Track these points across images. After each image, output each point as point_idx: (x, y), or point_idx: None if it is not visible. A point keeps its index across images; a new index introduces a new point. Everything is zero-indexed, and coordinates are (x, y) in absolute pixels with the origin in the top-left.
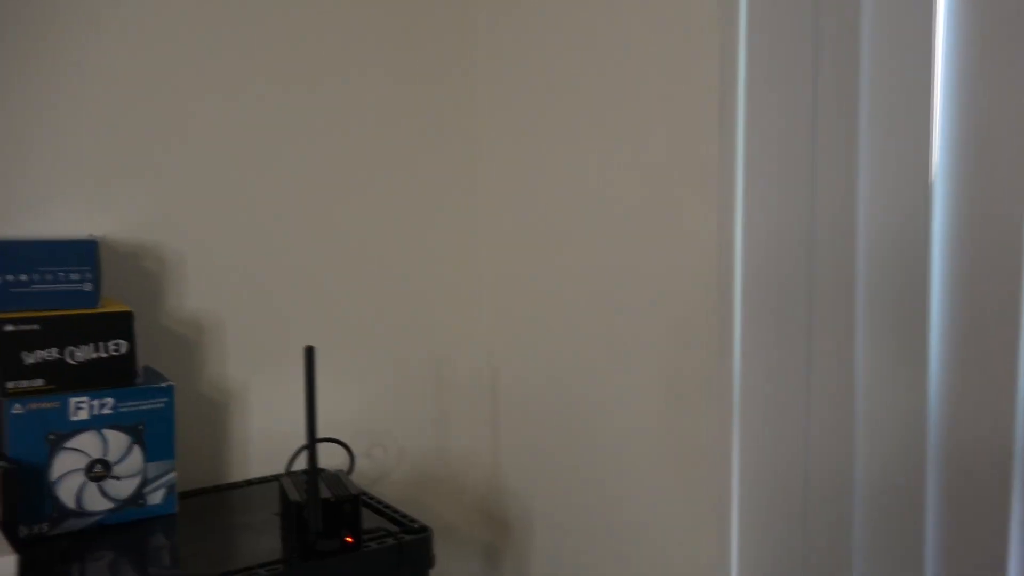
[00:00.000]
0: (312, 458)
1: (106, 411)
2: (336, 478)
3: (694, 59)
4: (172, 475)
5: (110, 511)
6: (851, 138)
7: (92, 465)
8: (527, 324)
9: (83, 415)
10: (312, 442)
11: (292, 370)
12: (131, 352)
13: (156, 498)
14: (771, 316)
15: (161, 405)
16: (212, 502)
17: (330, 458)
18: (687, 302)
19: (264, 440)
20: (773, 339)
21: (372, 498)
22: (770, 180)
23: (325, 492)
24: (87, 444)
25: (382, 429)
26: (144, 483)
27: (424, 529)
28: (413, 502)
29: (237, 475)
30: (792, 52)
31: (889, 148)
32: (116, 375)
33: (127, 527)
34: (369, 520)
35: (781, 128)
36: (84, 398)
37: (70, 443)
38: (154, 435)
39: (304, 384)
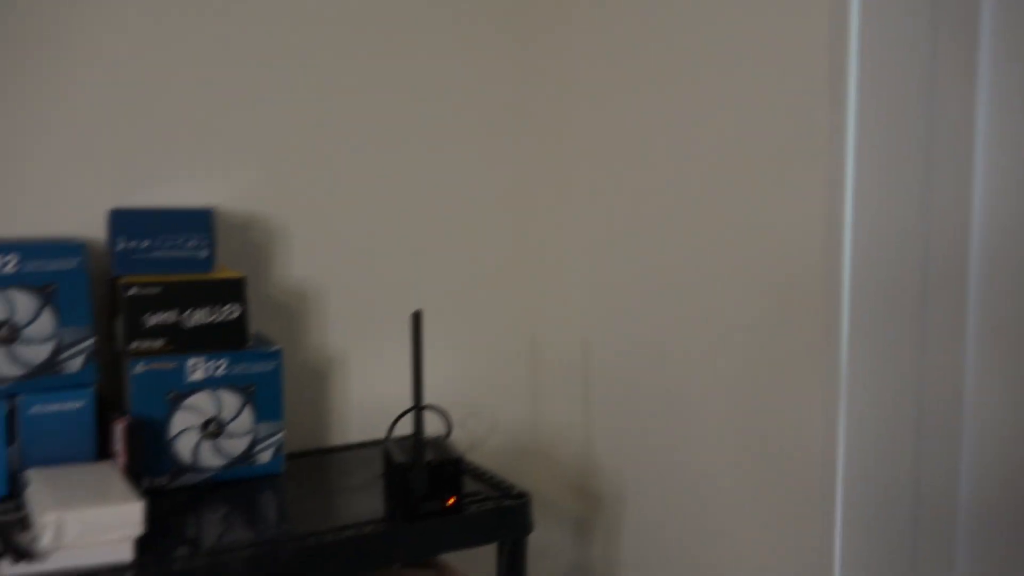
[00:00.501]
0: (419, 421)
1: (220, 372)
2: (438, 443)
3: (803, 30)
4: (280, 436)
5: (222, 468)
6: (968, 124)
7: (207, 423)
8: (621, 302)
9: (199, 375)
10: (419, 406)
11: (391, 339)
12: (243, 316)
13: (265, 457)
14: (880, 308)
15: (271, 368)
16: (316, 464)
17: (426, 425)
18: (789, 286)
19: (364, 406)
20: (881, 333)
21: (471, 464)
22: (882, 163)
23: (428, 455)
24: (202, 403)
25: (476, 400)
26: (254, 442)
27: (523, 495)
28: (505, 473)
29: (338, 439)
30: (909, 24)
31: (1007, 136)
32: (229, 338)
33: (237, 484)
34: (469, 485)
35: (895, 105)
36: (200, 359)
37: (187, 402)
38: (264, 396)
39: (411, 348)
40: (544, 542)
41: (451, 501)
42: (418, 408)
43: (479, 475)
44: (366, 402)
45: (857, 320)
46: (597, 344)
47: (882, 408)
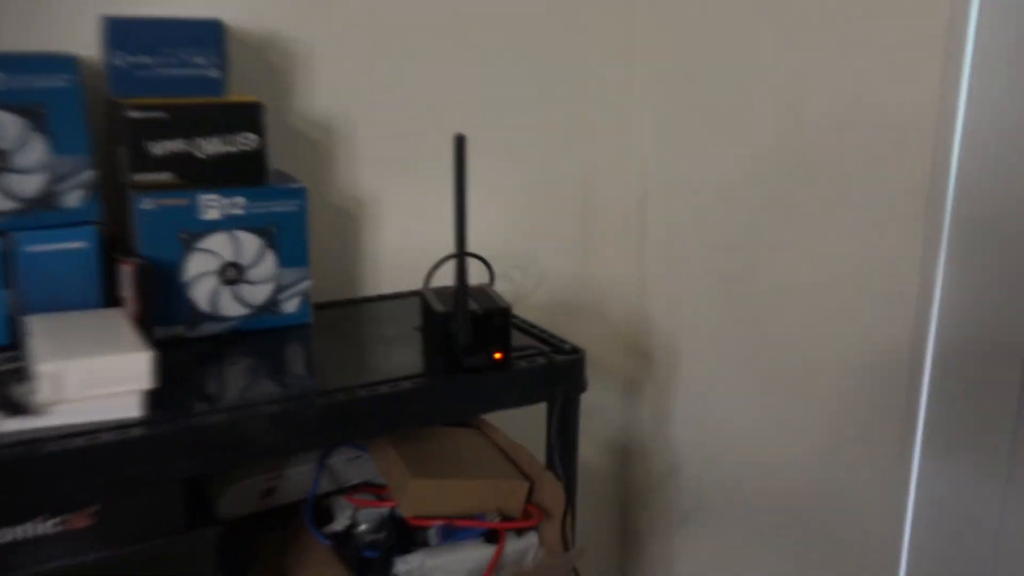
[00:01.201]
0: (462, 265)
1: (237, 211)
2: (482, 292)
3: None
4: (307, 283)
5: (245, 317)
6: None
7: (225, 268)
8: (682, 156)
9: (214, 214)
10: (462, 249)
11: (429, 179)
12: (261, 148)
13: (291, 306)
14: None
15: (294, 208)
16: (347, 314)
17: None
18: (885, 159)
19: (399, 253)
20: None
21: (517, 318)
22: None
23: (472, 305)
24: (219, 245)
25: (522, 250)
26: (278, 289)
27: (577, 351)
28: (552, 328)
29: (371, 289)
30: None
31: None
32: (246, 172)
33: (263, 334)
34: (517, 339)
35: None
36: (214, 196)
37: (202, 243)
38: (287, 240)
39: (453, 178)
40: (592, 402)
41: (498, 355)
42: (461, 252)
43: (527, 329)
44: (402, 249)
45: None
46: (656, 195)
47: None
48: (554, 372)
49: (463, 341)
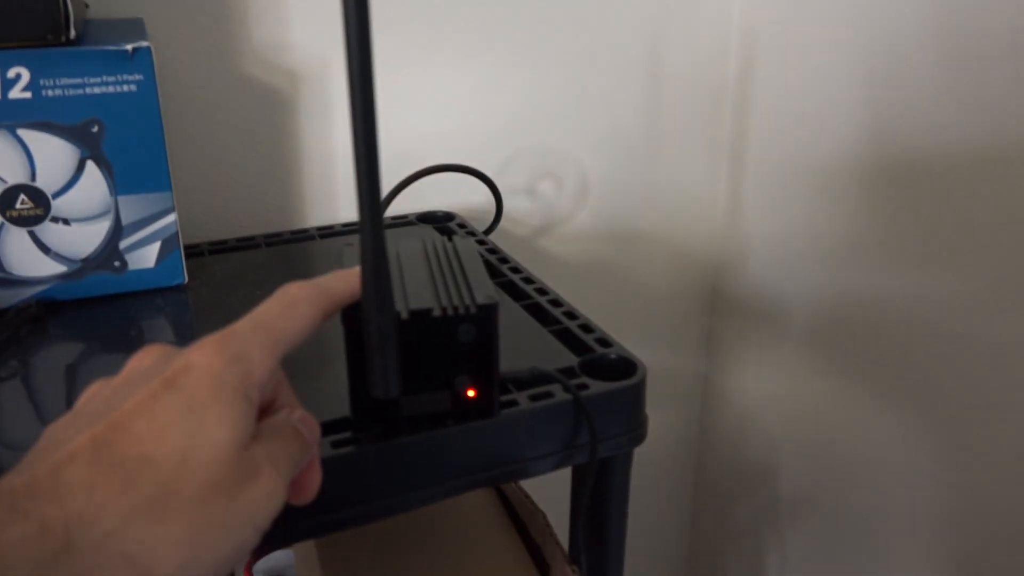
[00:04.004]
0: (373, 216)
1: (19, 94)
2: (449, 254)
3: None
4: (170, 219)
5: (62, 278)
6: None
7: (10, 197)
8: (803, 14)
9: None
10: (371, 183)
11: (415, 33)
12: None
13: (143, 258)
14: None
15: (130, 88)
16: (265, 264)
17: (460, 197)
18: None
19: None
20: None
21: (531, 291)
22: None
23: (416, 297)
24: None
25: (555, 147)
26: (116, 231)
27: (631, 366)
28: (600, 272)
29: (312, 219)
30: None
31: None
32: (27, 24)
33: (94, 307)
34: (524, 338)
35: None
36: None
37: None
38: (123, 145)
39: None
40: (659, 366)
41: (472, 392)
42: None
43: (548, 314)
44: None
45: None
46: (764, 70)
47: None
48: (584, 414)
49: (380, 385)
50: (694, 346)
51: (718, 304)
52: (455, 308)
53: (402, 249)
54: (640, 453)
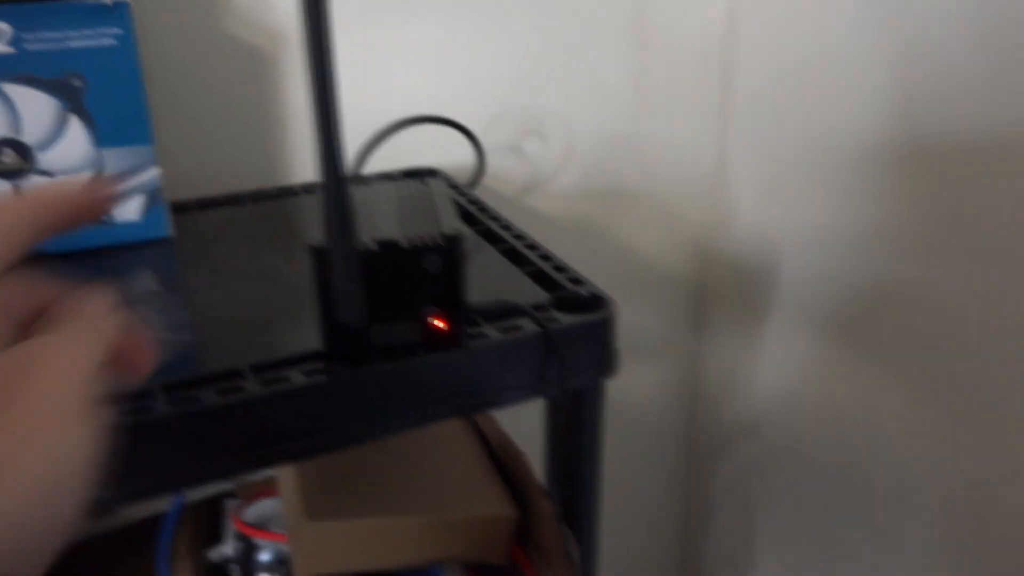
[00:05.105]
0: (331, 147)
1: (3, 49)
2: (422, 196)
3: None
4: (151, 172)
5: None
6: None
7: None
8: None
9: None
10: (323, 114)
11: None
12: None
13: (127, 211)
14: None
15: (110, 41)
16: (227, 222)
17: (447, 156)
18: None
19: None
20: None
21: (507, 236)
22: None
23: (385, 232)
24: None
25: (540, 103)
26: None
27: (599, 302)
28: (585, 232)
29: (298, 175)
30: None
31: None
32: None
33: (79, 260)
34: (499, 279)
35: None
36: None
37: None
38: (104, 99)
39: None
40: (645, 327)
41: (440, 323)
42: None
43: (522, 256)
44: (354, 109)
45: None
46: (752, 21)
47: None
48: (552, 344)
49: (346, 309)
50: (683, 305)
51: (707, 263)
52: (422, 240)
53: (376, 193)
54: (629, 410)
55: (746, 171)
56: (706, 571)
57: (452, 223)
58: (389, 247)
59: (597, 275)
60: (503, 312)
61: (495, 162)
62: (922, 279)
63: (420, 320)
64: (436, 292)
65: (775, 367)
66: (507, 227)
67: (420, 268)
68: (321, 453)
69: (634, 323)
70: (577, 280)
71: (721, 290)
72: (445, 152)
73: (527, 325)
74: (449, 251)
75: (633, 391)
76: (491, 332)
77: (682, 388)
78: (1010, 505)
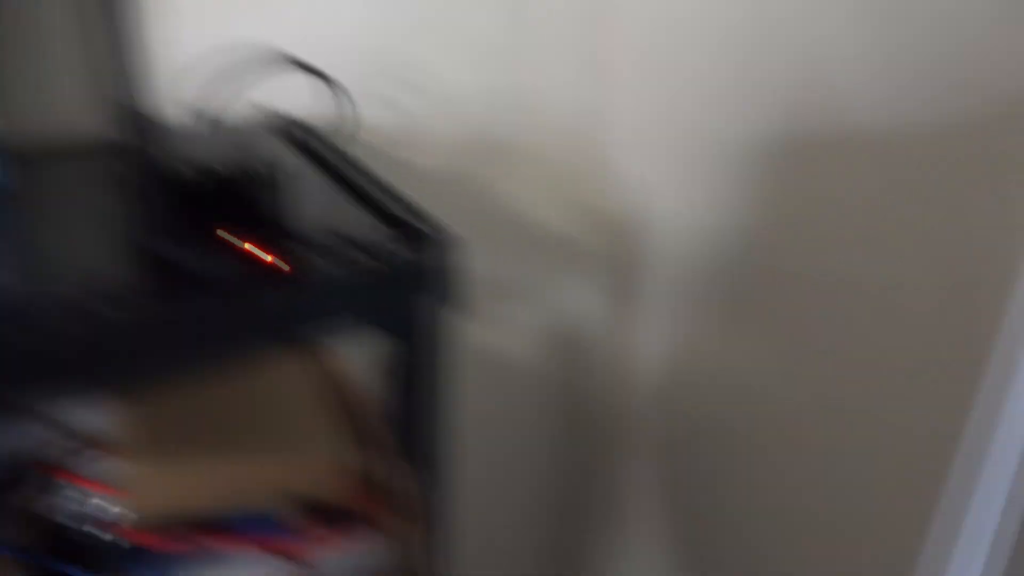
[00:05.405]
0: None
1: None
2: (254, 136)
3: None
4: None
5: None
6: None
7: None
8: None
9: None
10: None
11: None
12: None
13: None
14: None
15: None
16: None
17: (320, 105)
18: None
19: (211, 58)
20: None
21: (358, 178)
22: None
23: (207, 161)
24: None
25: (410, 54)
26: None
27: (444, 237)
28: (464, 188)
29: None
30: None
31: None
32: None
33: None
34: (344, 219)
35: None
36: None
37: None
38: None
39: None
40: (512, 279)
41: (265, 256)
42: None
43: (366, 194)
44: (217, 50)
45: None
46: None
47: None
48: (379, 280)
49: (158, 230)
50: (563, 262)
51: (592, 219)
52: (244, 170)
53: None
54: (522, 381)
55: (628, 129)
56: (582, 522)
57: (277, 156)
58: (211, 175)
59: (473, 227)
60: (340, 246)
61: (370, 113)
62: (787, 250)
63: (243, 251)
64: (255, 221)
65: (649, 321)
66: (360, 170)
67: (244, 198)
68: (142, 382)
69: (510, 275)
70: (422, 217)
71: (607, 255)
72: (321, 103)
73: (365, 259)
74: (270, 181)
75: (506, 344)
76: (325, 264)
77: (553, 339)
78: (844, 422)
